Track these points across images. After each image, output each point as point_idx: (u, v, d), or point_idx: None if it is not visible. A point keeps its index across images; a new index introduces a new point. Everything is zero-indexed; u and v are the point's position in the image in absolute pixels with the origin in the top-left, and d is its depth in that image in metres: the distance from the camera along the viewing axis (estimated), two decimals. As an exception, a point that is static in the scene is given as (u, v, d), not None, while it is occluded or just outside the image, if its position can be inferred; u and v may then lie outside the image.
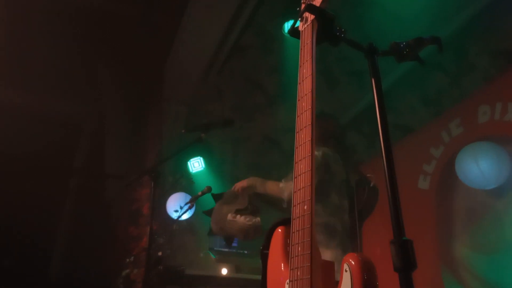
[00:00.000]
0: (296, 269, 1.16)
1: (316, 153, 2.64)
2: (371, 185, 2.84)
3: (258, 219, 2.73)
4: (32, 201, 4.58)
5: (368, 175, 2.95)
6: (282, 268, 1.27)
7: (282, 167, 5.84)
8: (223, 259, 4.51)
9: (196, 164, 5.02)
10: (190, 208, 3.59)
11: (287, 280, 1.20)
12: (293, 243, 1.20)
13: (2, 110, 4.59)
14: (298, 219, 1.21)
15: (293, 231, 1.21)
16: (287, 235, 1.29)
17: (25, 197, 4.53)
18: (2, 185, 4.32)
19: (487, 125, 3.69)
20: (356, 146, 5.88)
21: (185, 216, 3.99)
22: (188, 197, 4.15)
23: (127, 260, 4.18)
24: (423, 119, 4.80)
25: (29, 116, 4.88)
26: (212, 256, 4.53)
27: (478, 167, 3.28)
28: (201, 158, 5.05)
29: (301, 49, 1.44)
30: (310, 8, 1.38)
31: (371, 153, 5.55)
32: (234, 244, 4.70)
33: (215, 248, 4.63)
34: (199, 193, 3.44)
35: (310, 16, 1.42)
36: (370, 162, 5.28)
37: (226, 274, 4.34)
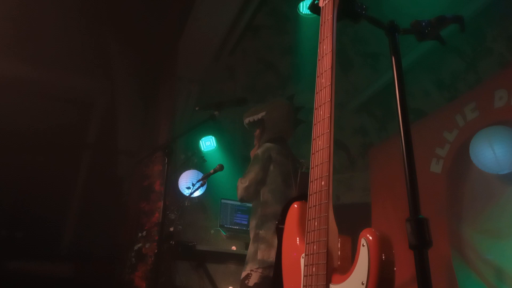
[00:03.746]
0: (312, 243, 1.17)
1: (258, 150, 3.00)
2: (303, 169, 2.91)
3: None
4: (44, 176, 4.64)
5: (301, 160, 3.04)
6: (298, 243, 1.28)
7: (293, 146, 5.85)
8: (233, 236, 4.57)
9: (208, 143, 5.06)
10: (202, 185, 3.65)
11: (303, 254, 1.22)
12: (309, 218, 1.21)
13: (15, 86, 4.62)
14: (315, 194, 1.22)
15: (310, 206, 1.22)
16: (303, 211, 1.30)
17: (37, 172, 4.59)
18: (16, 160, 4.39)
19: (504, 109, 3.64)
20: (367, 129, 5.87)
21: (197, 193, 4.05)
22: (200, 175, 4.19)
23: (139, 234, 4.24)
24: (438, 102, 4.76)
25: (41, 92, 4.91)
26: (223, 233, 4.59)
27: (493, 152, 3.25)
28: (213, 137, 5.09)
29: (321, 25, 1.43)
30: (332, -17, 1.37)
31: (383, 136, 5.54)
32: (245, 222, 4.76)
33: (225, 225, 4.69)
34: (211, 171, 3.49)
35: (331, -8, 1.41)
36: (382, 145, 5.27)
37: (236, 251, 4.40)
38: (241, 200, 2.99)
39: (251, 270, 2.76)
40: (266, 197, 2.89)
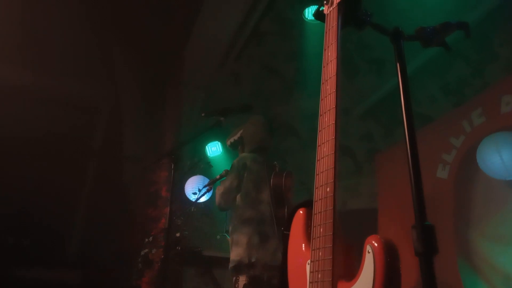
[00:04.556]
0: (318, 250, 1.18)
1: (234, 160, 3.18)
2: (276, 170, 3.13)
3: None
4: (50, 183, 4.66)
5: (274, 162, 3.24)
6: (303, 249, 1.28)
7: (299, 153, 5.86)
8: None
9: (214, 149, 5.07)
10: (208, 191, 3.65)
11: (308, 261, 1.22)
12: (315, 225, 1.21)
13: (21, 93, 4.66)
14: (320, 201, 1.22)
15: (315, 212, 1.22)
16: (308, 217, 1.30)
17: (44, 179, 4.61)
18: (22, 167, 4.42)
19: (510, 115, 3.63)
20: (374, 135, 5.86)
21: (203, 199, 4.05)
22: (206, 180, 4.20)
23: (146, 240, 4.25)
24: (444, 108, 4.75)
25: (47, 98, 4.94)
26: (228, 238, 4.58)
27: (500, 157, 3.24)
28: (219, 143, 5.10)
29: (326, 32, 1.43)
30: (337, -10, 1.37)
31: (389, 142, 5.52)
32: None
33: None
34: (217, 176, 3.49)
35: (336, -1, 1.41)
36: (389, 151, 5.25)
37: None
38: (219, 206, 3.15)
39: (237, 275, 2.89)
40: (238, 202, 3.07)
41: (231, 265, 2.94)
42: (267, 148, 3.34)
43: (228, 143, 3.48)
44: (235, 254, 2.92)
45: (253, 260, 2.84)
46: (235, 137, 3.39)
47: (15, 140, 4.52)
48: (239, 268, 2.88)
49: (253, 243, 2.88)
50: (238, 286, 2.85)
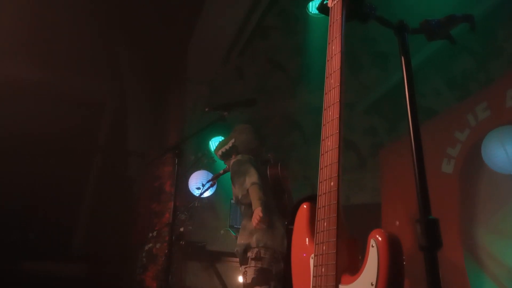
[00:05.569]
0: (321, 244, 1.18)
1: (235, 159, 3.20)
2: (271, 162, 3.21)
3: None
4: (56, 178, 4.68)
5: (268, 154, 3.33)
6: (307, 243, 1.28)
7: (303, 147, 5.85)
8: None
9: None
10: (212, 186, 3.66)
11: (312, 255, 1.22)
12: (319, 219, 1.21)
13: (27, 89, 4.67)
14: (324, 195, 1.22)
15: (319, 206, 1.22)
16: (312, 211, 1.30)
17: (49, 174, 4.64)
18: (28, 162, 4.44)
19: (516, 109, 3.61)
20: (378, 130, 5.84)
21: (206, 194, 4.06)
22: (210, 175, 4.21)
23: (150, 235, 4.27)
24: (449, 102, 4.73)
25: (52, 94, 4.95)
26: (232, 233, 4.60)
27: (505, 152, 3.22)
28: (223, 138, 5.10)
29: (330, 26, 1.42)
30: (341, -17, 1.36)
31: (393, 137, 5.51)
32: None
33: (235, 226, 4.70)
34: (221, 171, 3.49)
35: (340, -8, 1.40)
36: (393, 146, 5.24)
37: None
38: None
39: (245, 268, 2.89)
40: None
41: (237, 248, 2.96)
42: (259, 154, 3.36)
43: (220, 153, 3.43)
44: (244, 238, 2.95)
45: (260, 245, 2.84)
46: (227, 147, 3.38)
47: (21, 135, 4.54)
48: (246, 252, 2.89)
49: (260, 229, 2.89)
50: (246, 280, 2.85)
